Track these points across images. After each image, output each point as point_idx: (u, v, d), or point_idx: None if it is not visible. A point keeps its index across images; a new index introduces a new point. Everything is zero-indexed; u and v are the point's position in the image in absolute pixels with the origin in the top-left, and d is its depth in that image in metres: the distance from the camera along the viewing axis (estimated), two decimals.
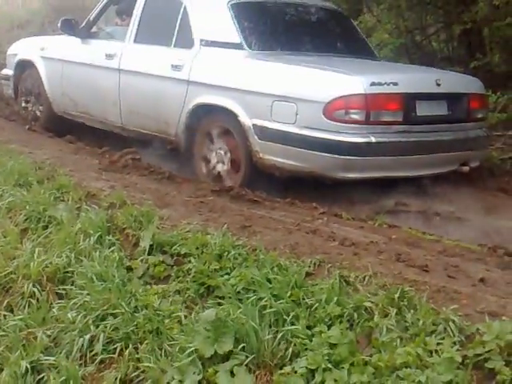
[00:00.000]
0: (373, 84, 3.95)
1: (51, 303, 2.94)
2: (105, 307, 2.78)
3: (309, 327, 2.36)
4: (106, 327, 2.70)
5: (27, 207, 3.60)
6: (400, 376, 2.10)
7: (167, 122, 4.75)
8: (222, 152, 4.46)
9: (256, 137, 4.18)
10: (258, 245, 3.01)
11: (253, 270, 2.75)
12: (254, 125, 4.19)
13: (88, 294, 2.87)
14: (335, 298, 2.40)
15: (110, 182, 4.18)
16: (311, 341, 2.27)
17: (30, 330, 2.75)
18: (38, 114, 6.08)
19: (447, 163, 4.28)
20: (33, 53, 6.05)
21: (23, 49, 6.29)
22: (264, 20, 4.96)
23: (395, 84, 4.02)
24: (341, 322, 2.32)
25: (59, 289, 3.03)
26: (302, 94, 4.02)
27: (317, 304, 2.42)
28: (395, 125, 4.03)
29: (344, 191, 4.08)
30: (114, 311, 2.76)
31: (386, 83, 3.99)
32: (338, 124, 3.91)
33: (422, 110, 4.12)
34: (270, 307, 2.48)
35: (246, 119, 4.22)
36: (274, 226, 3.42)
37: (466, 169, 4.38)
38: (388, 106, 4.02)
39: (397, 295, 2.37)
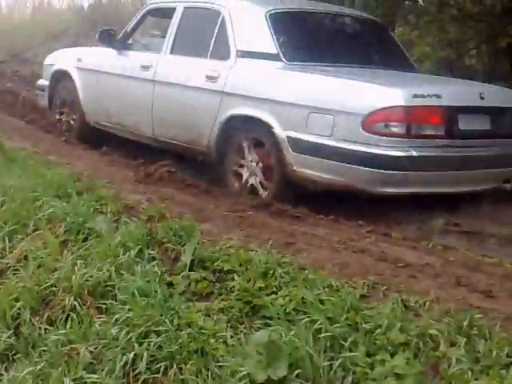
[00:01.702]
0: (415, 96, 3.86)
1: (92, 318, 2.85)
2: (148, 324, 2.69)
3: (369, 355, 2.23)
4: (149, 345, 2.60)
5: (67, 219, 3.54)
6: None
7: (200, 132, 4.73)
8: (255, 164, 4.40)
9: (290, 149, 4.11)
10: (306, 263, 2.89)
11: (303, 290, 2.64)
12: (288, 137, 4.12)
13: (130, 310, 2.78)
14: (398, 324, 2.26)
15: (146, 194, 4.12)
16: (373, 370, 2.14)
17: (72, 346, 2.66)
18: (72, 124, 6.10)
19: (489, 180, 4.15)
20: (69, 63, 6.08)
21: (60, 59, 6.32)
22: (301, 30, 4.91)
23: (438, 96, 3.92)
24: (405, 351, 2.18)
25: (100, 303, 2.94)
26: (340, 106, 3.94)
27: (377, 330, 2.29)
28: (437, 139, 3.91)
29: (388, 209, 3.96)
30: (158, 328, 2.66)
31: (428, 95, 3.88)
32: (378, 137, 3.80)
33: (465, 123, 4.00)
34: (325, 331, 2.35)
35: (280, 131, 4.15)
36: (318, 243, 3.31)
37: (508, 186, 4.25)
38: (430, 119, 3.92)
39: (465, 323, 2.22)
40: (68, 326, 2.79)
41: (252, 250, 3.10)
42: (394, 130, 3.80)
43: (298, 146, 4.07)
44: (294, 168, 4.10)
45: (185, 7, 5.19)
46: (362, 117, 3.81)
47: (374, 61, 5.03)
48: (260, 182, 4.37)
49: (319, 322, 2.40)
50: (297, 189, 4.17)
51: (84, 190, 3.95)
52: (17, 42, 12.70)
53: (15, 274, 3.24)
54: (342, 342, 2.30)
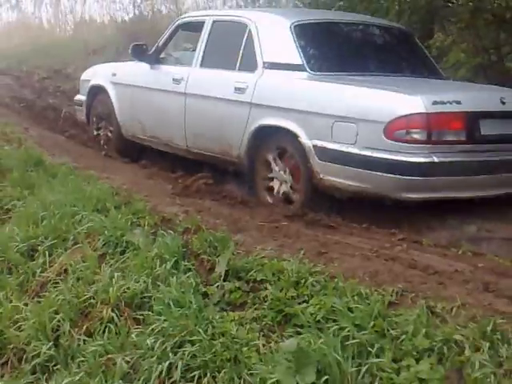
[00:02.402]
0: (435, 103, 3.90)
1: (129, 329, 2.95)
2: (182, 334, 2.76)
3: (395, 360, 2.26)
4: (184, 354, 2.67)
5: (105, 232, 3.65)
6: None
7: (230, 143, 4.83)
8: (283, 173, 4.47)
9: (316, 157, 4.18)
10: (337, 272, 2.93)
11: (332, 299, 2.68)
12: (314, 145, 4.20)
13: (165, 320, 2.86)
14: (423, 330, 2.29)
15: (183, 206, 4.19)
16: (398, 375, 2.17)
17: (109, 356, 2.76)
18: (108, 138, 6.26)
19: None
20: (104, 79, 6.24)
21: (95, 75, 6.49)
22: (326, 40, 4.98)
23: (458, 102, 3.95)
24: (430, 356, 2.21)
25: (137, 314, 3.04)
26: (363, 114, 4.00)
27: (403, 336, 2.32)
28: (458, 144, 3.95)
29: (422, 215, 3.95)
30: (192, 338, 2.73)
31: (448, 102, 3.92)
32: (399, 144, 3.86)
33: (487, 128, 4.02)
34: (353, 338, 2.39)
35: (306, 140, 4.23)
36: (351, 252, 3.33)
37: None
38: (450, 125, 3.96)
39: (489, 328, 2.24)
40: (106, 337, 2.89)
41: (285, 260, 3.14)
42: (415, 136, 3.86)
43: (324, 154, 4.15)
44: (321, 176, 4.18)
45: (213, 21, 5.31)
46: (384, 124, 3.88)
47: (399, 68, 5.05)
48: (289, 192, 4.44)
49: (347, 329, 2.44)
50: (325, 197, 4.22)
51: (122, 204, 4.06)
52: (58, 57, 13.00)
53: (55, 287, 3.37)
54: (369, 349, 2.34)
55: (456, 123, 3.95)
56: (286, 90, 4.58)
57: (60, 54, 13.25)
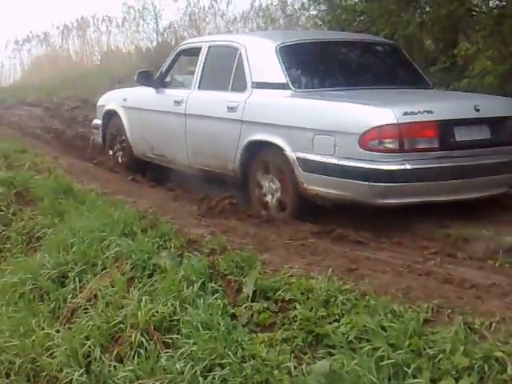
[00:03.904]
0: (405, 113, 4.12)
1: (159, 353, 2.91)
2: (212, 357, 2.72)
3: (433, 380, 2.16)
4: (214, 378, 2.63)
5: (133, 256, 3.65)
6: None
7: (225, 158, 5.17)
8: (273, 184, 4.78)
9: (300, 169, 4.47)
10: (368, 289, 2.84)
11: (364, 317, 2.59)
12: (298, 157, 4.49)
13: (194, 344, 2.83)
14: (462, 348, 2.19)
15: (209, 227, 4.18)
16: None
17: (140, 382, 2.72)
18: (122, 158, 6.68)
19: (493, 186, 4.33)
20: (116, 103, 6.69)
21: (109, 100, 6.94)
22: (309, 59, 5.30)
23: (429, 112, 4.17)
24: (470, 375, 2.10)
25: (166, 338, 3.01)
26: (339, 127, 4.29)
27: (440, 354, 2.22)
28: (431, 151, 4.16)
29: (454, 227, 3.85)
30: (222, 361, 2.69)
31: (419, 112, 4.15)
32: (373, 153, 4.10)
33: (462, 135, 4.23)
34: (388, 358, 2.30)
35: (291, 153, 4.53)
36: (381, 268, 3.25)
37: None
38: (422, 134, 4.17)
39: None
40: (136, 362, 2.86)
41: (313, 278, 3.08)
42: (388, 145, 4.10)
43: (307, 165, 4.44)
44: (305, 186, 4.46)
45: (209, 46, 5.70)
46: (358, 136, 4.13)
47: (382, 81, 5.27)
48: (277, 200, 4.73)
49: (381, 348, 2.36)
50: (312, 206, 4.45)
51: (148, 227, 4.07)
52: (87, 87, 13.26)
53: (86, 312, 3.37)
54: (406, 369, 2.25)
55: (428, 131, 4.18)
56: (272, 108, 4.91)
57: (88, 83, 13.53)
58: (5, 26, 18.66)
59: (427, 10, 7.42)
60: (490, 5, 6.89)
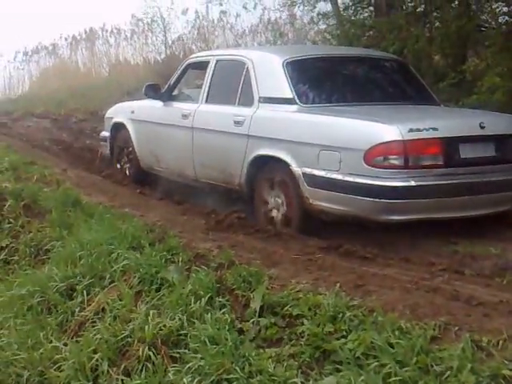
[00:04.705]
0: (411, 130, 4.12)
1: (166, 367, 2.92)
2: (219, 372, 2.72)
3: None
4: None
5: (141, 270, 3.66)
6: None
7: (232, 173, 5.17)
8: (278, 199, 4.77)
9: (306, 184, 4.47)
10: (375, 305, 2.85)
11: (372, 334, 2.60)
12: (303, 173, 4.49)
13: (202, 358, 2.83)
14: (469, 366, 2.19)
15: (217, 241, 4.19)
16: None
17: None
18: (129, 171, 6.70)
19: (498, 203, 4.31)
20: (124, 116, 6.71)
21: (117, 113, 6.97)
22: (315, 74, 5.31)
23: (434, 129, 4.18)
24: None
25: (173, 352, 3.01)
26: (345, 143, 4.29)
27: (448, 372, 2.22)
28: (436, 168, 4.17)
29: (462, 244, 3.85)
30: (229, 376, 2.70)
31: (424, 129, 4.15)
32: (378, 169, 4.12)
33: (466, 152, 4.24)
34: (395, 375, 2.30)
35: (296, 168, 4.54)
36: (389, 284, 3.25)
37: None
38: (427, 151, 4.19)
39: None
40: (143, 376, 2.86)
41: (321, 294, 3.08)
42: (393, 162, 4.11)
43: (312, 180, 4.44)
44: (310, 201, 4.45)
45: (217, 60, 5.72)
46: (363, 152, 4.14)
47: (388, 97, 5.29)
48: (282, 215, 4.71)
49: (389, 365, 2.37)
50: (317, 221, 4.44)
51: (156, 241, 4.08)
52: (95, 99, 13.30)
53: (93, 326, 3.38)
54: None
55: (432, 148, 4.18)
56: (278, 122, 4.92)
57: (96, 96, 13.57)
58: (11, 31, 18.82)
59: (436, 25, 7.47)
60: (500, 21, 6.93)
